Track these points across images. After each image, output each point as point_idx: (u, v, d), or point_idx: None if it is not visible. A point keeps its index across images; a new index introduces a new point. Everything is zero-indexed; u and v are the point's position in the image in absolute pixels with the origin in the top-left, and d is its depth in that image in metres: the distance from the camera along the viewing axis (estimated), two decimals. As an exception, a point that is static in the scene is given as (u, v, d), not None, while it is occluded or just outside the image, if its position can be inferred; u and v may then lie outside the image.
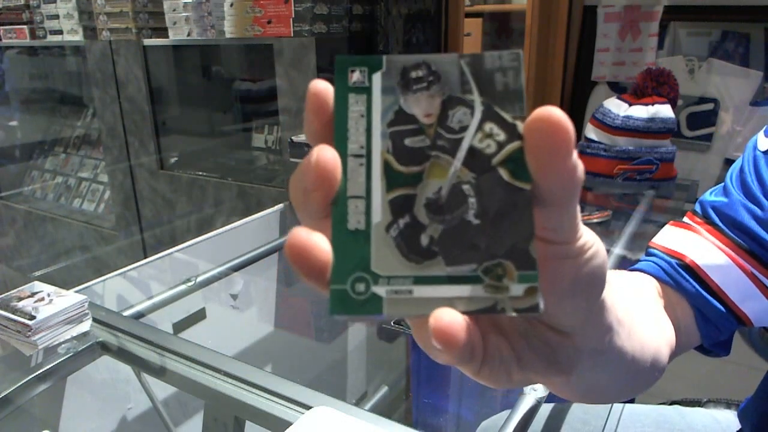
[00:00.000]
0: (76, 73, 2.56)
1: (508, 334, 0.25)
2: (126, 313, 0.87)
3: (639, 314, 0.37)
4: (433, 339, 0.20)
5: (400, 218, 0.21)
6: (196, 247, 1.12)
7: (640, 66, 1.59)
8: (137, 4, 1.88)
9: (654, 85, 1.25)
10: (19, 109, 2.88)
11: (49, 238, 2.50)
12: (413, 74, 0.22)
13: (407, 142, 0.21)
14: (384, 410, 1.24)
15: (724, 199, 0.47)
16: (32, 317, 0.71)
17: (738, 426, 0.64)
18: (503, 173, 0.21)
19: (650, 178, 1.26)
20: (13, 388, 0.69)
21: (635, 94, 1.27)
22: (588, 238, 0.24)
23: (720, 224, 0.46)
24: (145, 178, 2.05)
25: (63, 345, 0.74)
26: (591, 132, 1.30)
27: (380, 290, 0.21)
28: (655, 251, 0.48)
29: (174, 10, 1.78)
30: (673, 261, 0.46)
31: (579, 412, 0.72)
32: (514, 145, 0.21)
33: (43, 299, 0.75)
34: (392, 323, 1.05)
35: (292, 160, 1.41)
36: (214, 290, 1.12)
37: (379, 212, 0.21)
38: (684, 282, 0.45)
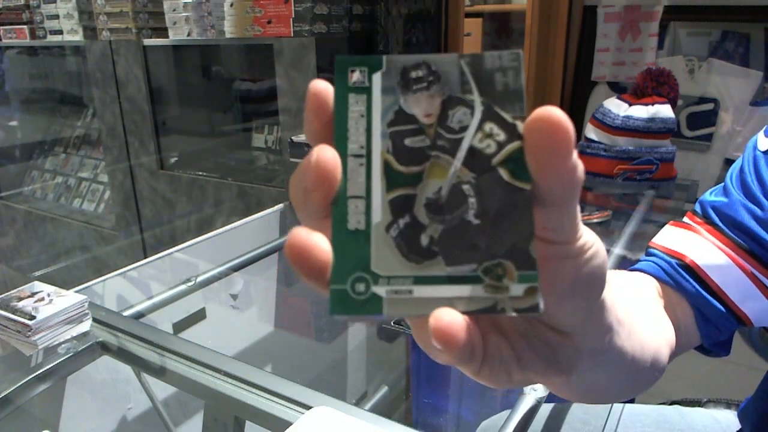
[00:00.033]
0: (76, 73, 2.56)
1: (508, 334, 0.25)
2: (126, 313, 0.87)
3: (639, 314, 0.37)
4: (432, 339, 0.20)
5: (400, 218, 0.21)
6: (196, 247, 1.12)
7: (640, 66, 1.59)
8: (137, 4, 1.88)
9: (654, 85, 1.25)
10: (19, 109, 2.88)
11: (49, 238, 2.50)
12: (413, 74, 0.22)
13: (407, 142, 0.21)
14: (384, 410, 1.24)
15: (724, 199, 0.47)
16: (32, 317, 0.71)
17: (738, 426, 0.64)
18: (503, 173, 0.21)
19: (650, 178, 1.26)
20: (13, 388, 0.69)
21: (635, 94, 1.27)
22: (588, 238, 0.24)
23: (720, 224, 0.46)
24: (145, 178, 2.05)
25: (63, 345, 0.74)
26: (591, 132, 1.30)
27: (380, 290, 0.21)
28: (655, 251, 0.48)
29: (174, 10, 1.78)
30: (673, 261, 0.46)
31: (579, 412, 0.72)
32: (514, 145, 0.21)
33: (43, 299, 0.75)
34: (392, 323, 1.05)
35: (292, 160, 1.41)
36: (214, 290, 1.12)
37: (379, 212, 0.21)
38: (684, 282, 0.45)
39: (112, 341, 0.75)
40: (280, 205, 1.34)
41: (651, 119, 1.23)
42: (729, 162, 1.52)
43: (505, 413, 0.60)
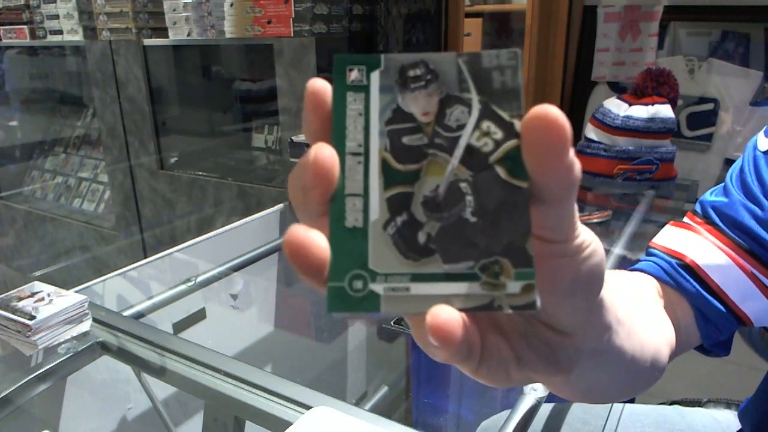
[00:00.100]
0: (76, 73, 2.56)
1: (508, 334, 0.25)
2: (126, 313, 0.87)
3: (639, 314, 0.37)
4: (429, 336, 0.20)
5: (397, 216, 0.21)
6: (196, 247, 1.12)
7: (640, 66, 1.59)
8: (137, 4, 1.88)
9: (654, 85, 1.25)
10: (19, 109, 2.89)
11: (49, 238, 2.50)
12: (411, 73, 0.22)
13: (405, 140, 0.22)
14: (384, 410, 1.24)
15: (724, 199, 0.47)
16: (32, 317, 0.71)
17: (738, 426, 0.64)
18: (500, 171, 0.21)
19: (650, 178, 1.26)
20: (13, 388, 0.69)
21: (635, 94, 1.27)
22: (585, 236, 0.24)
23: (720, 224, 0.46)
24: (145, 178, 2.05)
25: (63, 345, 0.74)
26: (591, 132, 1.30)
27: (378, 287, 0.21)
28: (655, 251, 0.48)
29: (174, 10, 1.78)
30: (674, 261, 0.46)
31: (579, 412, 0.71)
32: (511, 143, 0.21)
33: (43, 299, 0.75)
34: (392, 323, 1.05)
35: (292, 160, 1.41)
36: (214, 290, 1.12)
37: (376, 210, 0.21)
38: (684, 282, 0.45)
39: (112, 341, 0.75)
40: (280, 205, 1.34)
41: (651, 119, 1.23)
42: (729, 162, 1.52)
43: (505, 413, 0.60)
